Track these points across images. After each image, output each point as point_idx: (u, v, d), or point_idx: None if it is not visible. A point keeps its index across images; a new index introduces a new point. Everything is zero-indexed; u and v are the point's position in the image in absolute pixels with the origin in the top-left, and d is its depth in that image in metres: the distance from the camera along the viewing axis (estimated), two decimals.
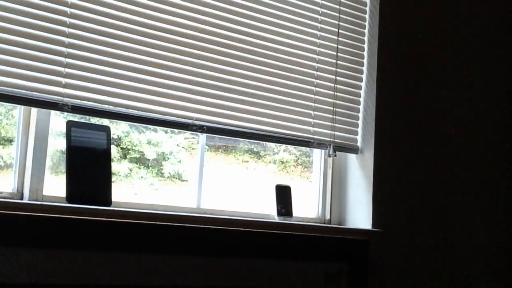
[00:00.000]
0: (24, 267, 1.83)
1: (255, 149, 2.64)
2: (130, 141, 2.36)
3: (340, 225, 2.65)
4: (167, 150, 2.43)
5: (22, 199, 2.06)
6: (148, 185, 2.37)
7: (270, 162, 2.69)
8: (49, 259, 1.87)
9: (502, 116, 3.03)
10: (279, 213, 2.47)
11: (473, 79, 2.95)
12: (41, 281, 1.86)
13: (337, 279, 2.38)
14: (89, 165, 2.06)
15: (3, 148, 2.11)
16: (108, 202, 2.06)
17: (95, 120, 2.21)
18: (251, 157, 2.64)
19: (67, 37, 2.06)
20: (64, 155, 2.08)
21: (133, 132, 2.36)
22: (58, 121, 2.14)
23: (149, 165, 2.39)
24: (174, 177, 2.43)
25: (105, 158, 2.10)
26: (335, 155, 2.58)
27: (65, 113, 2.10)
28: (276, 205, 2.47)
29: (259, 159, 2.67)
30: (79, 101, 2.07)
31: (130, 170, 2.35)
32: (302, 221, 2.52)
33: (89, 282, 1.94)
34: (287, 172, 2.72)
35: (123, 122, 2.26)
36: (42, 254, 1.86)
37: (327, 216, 2.66)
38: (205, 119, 2.30)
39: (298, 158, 2.76)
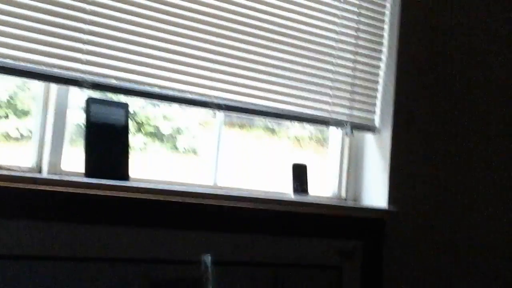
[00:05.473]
0: (43, 240, 1.86)
1: (269, 125, 2.64)
2: (145, 115, 2.37)
3: (356, 203, 2.65)
4: (182, 125, 2.44)
5: (40, 173, 2.08)
6: (162, 158, 2.38)
7: (284, 137, 2.69)
8: (67, 233, 1.90)
9: None
10: (295, 191, 2.48)
11: (497, 57, 2.92)
12: (58, 253, 1.89)
13: (352, 256, 2.40)
14: (107, 141, 2.08)
15: (19, 119, 2.13)
16: (126, 177, 2.08)
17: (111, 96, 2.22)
18: (265, 133, 2.64)
19: (87, 14, 2.06)
20: (82, 128, 2.10)
21: (148, 106, 2.36)
22: (76, 93, 2.15)
23: (164, 139, 2.40)
24: (188, 151, 2.44)
25: (123, 134, 2.12)
26: (352, 135, 2.58)
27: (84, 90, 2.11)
28: (292, 183, 2.48)
29: (273, 134, 2.67)
30: (98, 78, 2.08)
31: (145, 144, 2.36)
32: (318, 199, 2.52)
33: (105, 256, 1.97)
34: (301, 147, 2.72)
35: (138, 98, 2.27)
36: (60, 228, 1.89)
37: (343, 194, 2.66)
38: (223, 97, 2.30)
39: (313, 134, 2.75)
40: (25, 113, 2.14)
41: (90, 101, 2.07)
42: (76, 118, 2.17)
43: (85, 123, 2.05)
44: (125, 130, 2.12)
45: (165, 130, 2.40)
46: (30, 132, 2.11)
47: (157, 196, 2.05)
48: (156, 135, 2.38)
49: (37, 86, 2.12)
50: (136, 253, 2.01)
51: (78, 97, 2.15)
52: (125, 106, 2.14)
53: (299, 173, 2.51)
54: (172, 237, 2.07)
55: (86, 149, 2.03)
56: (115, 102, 2.17)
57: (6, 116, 2.11)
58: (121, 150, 2.10)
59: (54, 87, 2.10)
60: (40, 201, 1.88)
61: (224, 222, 2.18)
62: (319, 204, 2.39)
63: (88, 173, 2.01)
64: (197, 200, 2.12)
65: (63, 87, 2.09)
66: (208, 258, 2.11)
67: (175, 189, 2.11)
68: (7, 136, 2.10)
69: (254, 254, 2.21)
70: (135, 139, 2.32)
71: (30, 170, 2.07)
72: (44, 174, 2.06)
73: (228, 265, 2.17)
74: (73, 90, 2.12)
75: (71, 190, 1.91)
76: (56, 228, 1.88)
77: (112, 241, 1.96)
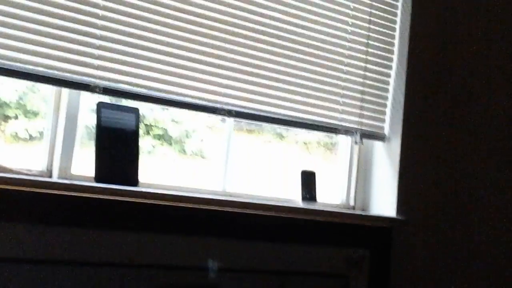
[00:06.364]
0: (50, 245, 1.87)
1: (278, 130, 2.64)
2: (154, 118, 2.37)
3: (364, 211, 2.65)
4: (191, 128, 2.44)
5: (51, 177, 2.09)
6: (170, 161, 2.38)
7: (292, 142, 2.69)
8: (75, 238, 1.90)
9: None
10: (304, 198, 2.47)
11: (507, 67, 2.91)
12: (66, 258, 1.89)
13: (359, 265, 2.39)
14: (117, 145, 2.08)
15: (29, 121, 2.13)
16: (135, 182, 2.08)
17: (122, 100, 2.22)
18: (274, 138, 2.64)
19: (100, 19, 2.06)
20: (93, 131, 2.10)
21: (156, 109, 2.36)
22: (88, 97, 2.15)
23: (172, 142, 2.40)
24: (196, 154, 2.44)
25: (133, 139, 2.12)
26: (362, 143, 2.57)
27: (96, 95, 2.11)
28: (301, 190, 2.48)
29: (281, 139, 2.67)
30: (110, 83, 2.08)
31: (153, 146, 2.36)
32: (326, 207, 2.52)
33: (113, 261, 1.97)
34: (310, 153, 2.72)
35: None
36: (68, 232, 1.89)
37: (351, 203, 2.66)
38: (233, 104, 2.30)
39: (321, 140, 2.75)
40: (34, 114, 2.14)
41: (100, 106, 2.07)
42: (87, 121, 2.17)
43: (96, 128, 2.05)
44: (135, 135, 2.12)
45: (174, 133, 2.40)
46: (39, 133, 2.12)
47: (166, 202, 2.05)
48: (165, 138, 2.39)
49: (47, 88, 2.12)
50: (144, 259, 2.01)
51: (89, 100, 2.16)
52: (135, 111, 2.14)
53: (308, 180, 2.50)
54: (179, 243, 2.07)
55: (96, 154, 2.04)
56: (126, 107, 2.17)
57: (16, 117, 2.12)
58: (131, 156, 2.10)
59: (65, 91, 2.11)
60: (50, 205, 1.88)
61: (232, 228, 2.18)
62: (327, 212, 2.38)
63: (98, 178, 2.02)
64: (206, 206, 2.12)
65: (75, 91, 2.10)
66: (215, 265, 2.11)
67: (184, 195, 2.11)
68: (16, 137, 2.11)
69: (261, 261, 2.21)
70: (143, 142, 2.32)
71: (41, 173, 2.07)
72: (55, 178, 2.07)
73: (235, 272, 2.17)
74: (85, 93, 2.12)
75: (81, 195, 1.91)
76: (64, 233, 1.89)
77: (120, 247, 1.97)
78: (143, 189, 2.04)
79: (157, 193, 2.04)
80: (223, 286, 2.14)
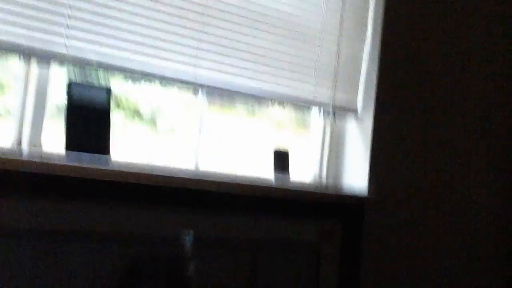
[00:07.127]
0: (23, 217, 1.86)
1: (250, 108, 2.63)
2: (125, 95, 2.34)
3: (336, 189, 2.66)
4: (163, 105, 2.41)
5: (21, 151, 2.05)
6: (142, 138, 2.36)
7: (265, 119, 2.68)
8: (49, 209, 1.90)
9: (506, 82, 3.02)
10: (277, 176, 2.47)
11: (478, 45, 2.94)
12: (40, 229, 1.89)
13: (330, 241, 2.41)
14: (88, 121, 2.03)
15: None
16: (107, 151, 2.04)
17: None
18: (246, 114, 2.63)
19: None
20: (63, 109, 2.05)
21: (129, 85, 2.33)
22: (57, 74, 2.12)
23: (144, 118, 2.37)
24: (169, 130, 2.42)
25: (105, 117, 2.07)
26: (335, 118, 2.58)
27: (65, 66, 2.08)
28: (274, 169, 2.47)
29: (253, 116, 2.66)
30: (80, 54, 2.04)
31: (125, 124, 2.33)
32: (299, 184, 2.53)
33: (86, 233, 1.97)
34: (281, 128, 2.72)
35: (119, 75, 2.23)
36: (41, 205, 1.89)
37: (324, 178, 2.68)
38: (205, 75, 2.28)
39: (293, 117, 2.75)
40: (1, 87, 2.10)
41: (72, 85, 2.01)
42: (57, 99, 2.13)
43: (67, 108, 1.99)
44: (106, 114, 2.07)
45: (146, 109, 2.38)
46: (8, 110, 2.08)
47: (139, 180, 2.03)
48: (137, 114, 2.36)
49: (17, 64, 2.07)
50: (116, 230, 2.01)
51: (59, 77, 2.12)
52: (108, 91, 2.08)
53: (281, 160, 2.50)
54: (153, 215, 2.07)
55: (66, 123, 1.97)
56: (98, 86, 2.11)
57: None
58: (102, 125, 2.05)
59: (35, 65, 2.06)
60: (20, 178, 1.86)
61: (205, 203, 2.18)
62: (299, 190, 2.38)
63: (68, 146, 1.96)
64: (179, 185, 2.11)
65: (45, 67, 2.06)
66: (188, 237, 2.11)
67: (157, 174, 2.09)
68: None
69: (235, 234, 2.23)
70: (114, 118, 2.29)
71: (10, 149, 2.04)
72: (25, 152, 2.03)
73: (207, 244, 2.18)
74: (54, 70, 2.09)
75: (51, 168, 1.87)
76: (35, 206, 1.88)
77: (92, 218, 1.96)
78: (115, 168, 2.01)
79: (130, 173, 2.02)
80: (196, 258, 2.14)
